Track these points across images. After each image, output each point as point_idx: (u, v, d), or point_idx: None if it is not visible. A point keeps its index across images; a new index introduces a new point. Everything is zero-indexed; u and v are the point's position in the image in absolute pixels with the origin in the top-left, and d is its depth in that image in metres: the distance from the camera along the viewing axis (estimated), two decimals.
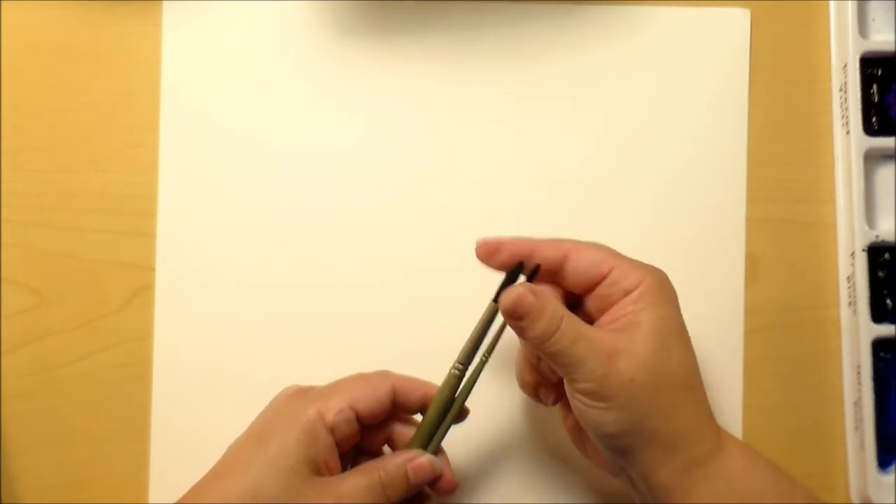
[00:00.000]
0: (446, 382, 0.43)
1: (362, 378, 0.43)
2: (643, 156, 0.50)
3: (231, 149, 0.50)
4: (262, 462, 0.39)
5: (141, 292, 0.49)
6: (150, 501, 0.48)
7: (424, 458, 0.41)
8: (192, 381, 0.49)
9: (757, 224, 0.50)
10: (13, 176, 0.49)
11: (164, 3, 0.50)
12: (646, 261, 0.42)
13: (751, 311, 0.50)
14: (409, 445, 0.43)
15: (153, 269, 0.49)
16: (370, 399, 0.42)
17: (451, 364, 0.43)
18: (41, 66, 0.50)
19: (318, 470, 0.40)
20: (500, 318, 0.42)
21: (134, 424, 0.49)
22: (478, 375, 0.43)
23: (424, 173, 0.50)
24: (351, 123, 0.50)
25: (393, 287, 0.49)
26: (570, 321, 0.40)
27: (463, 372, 0.43)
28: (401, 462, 0.41)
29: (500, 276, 0.42)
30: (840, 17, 0.50)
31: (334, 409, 0.41)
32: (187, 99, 0.50)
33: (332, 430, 0.41)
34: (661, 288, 0.41)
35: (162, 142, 0.50)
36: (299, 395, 0.42)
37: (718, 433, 0.41)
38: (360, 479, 0.40)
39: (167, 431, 0.48)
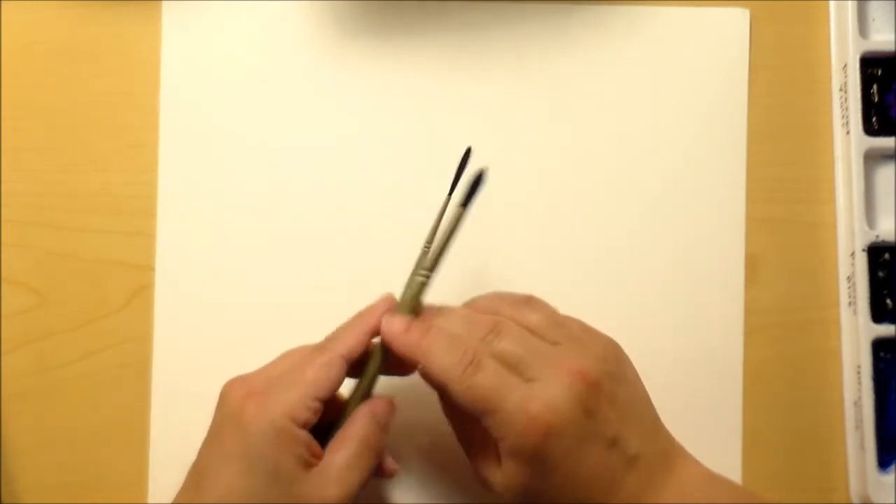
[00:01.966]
0: (410, 286, 0.43)
1: (320, 364, 0.41)
2: (643, 155, 0.50)
3: (231, 148, 0.50)
4: (257, 483, 0.38)
5: (141, 292, 0.49)
6: (150, 501, 0.48)
7: (378, 400, 0.42)
8: (192, 381, 0.49)
9: (757, 224, 0.50)
10: (13, 176, 0.49)
11: (164, 3, 0.50)
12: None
13: (751, 311, 0.50)
14: (350, 402, 0.42)
15: (153, 269, 0.49)
16: (331, 384, 0.41)
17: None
18: (41, 66, 0.50)
19: (307, 464, 0.39)
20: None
21: (134, 424, 0.49)
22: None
23: (424, 173, 0.50)
24: (351, 123, 0.50)
25: (393, 287, 0.49)
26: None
27: (427, 277, 0.42)
28: (367, 412, 0.41)
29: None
30: (840, 17, 0.50)
31: (301, 408, 0.40)
32: (187, 99, 0.50)
33: (304, 425, 0.40)
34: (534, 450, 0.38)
35: (162, 142, 0.50)
36: (252, 400, 0.40)
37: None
38: (345, 453, 0.40)
39: (167, 431, 0.48)
